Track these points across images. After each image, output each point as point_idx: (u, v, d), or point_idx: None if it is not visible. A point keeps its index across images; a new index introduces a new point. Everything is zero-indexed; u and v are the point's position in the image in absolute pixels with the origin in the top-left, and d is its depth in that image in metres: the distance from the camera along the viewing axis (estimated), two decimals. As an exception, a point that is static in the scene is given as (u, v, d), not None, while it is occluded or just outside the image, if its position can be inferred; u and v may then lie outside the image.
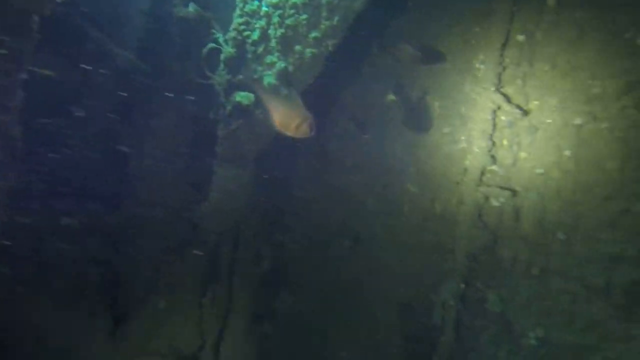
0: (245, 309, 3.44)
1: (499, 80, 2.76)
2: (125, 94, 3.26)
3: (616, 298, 2.41)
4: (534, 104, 2.71)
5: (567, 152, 2.62)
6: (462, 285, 2.69)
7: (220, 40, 3.08)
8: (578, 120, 2.60)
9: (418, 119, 3.04)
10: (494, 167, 2.79)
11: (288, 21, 2.99)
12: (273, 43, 3.05)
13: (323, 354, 3.27)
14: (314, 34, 2.95)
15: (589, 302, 2.48)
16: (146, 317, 3.33)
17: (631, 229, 2.40)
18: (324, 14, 2.91)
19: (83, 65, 3.18)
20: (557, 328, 2.55)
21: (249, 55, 3.11)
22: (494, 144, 2.77)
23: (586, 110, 2.58)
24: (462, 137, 2.88)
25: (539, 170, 2.69)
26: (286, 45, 3.03)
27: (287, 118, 2.53)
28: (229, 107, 3.18)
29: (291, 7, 2.96)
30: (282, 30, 3.00)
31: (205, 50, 3.08)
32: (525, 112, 2.71)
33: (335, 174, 3.33)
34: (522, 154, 2.76)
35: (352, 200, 3.29)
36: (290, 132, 2.51)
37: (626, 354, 2.38)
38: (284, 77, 3.07)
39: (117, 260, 3.42)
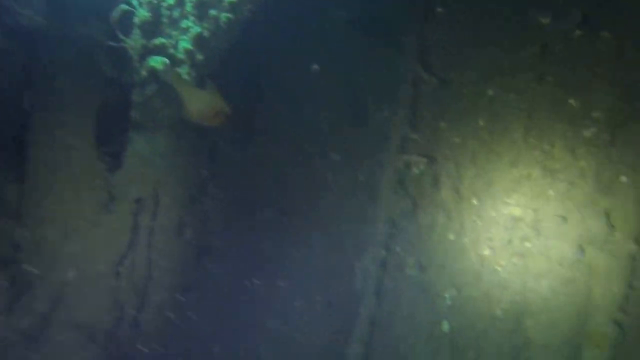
0: (166, 279, 3.42)
1: (421, 51, 2.86)
2: (29, 57, 2.98)
3: (516, 256, 2.66)
4: (453, 75, 2.85)
5: (481, 122, 2.82)
6: (383, 252, 2.86)
7: (134, 2, 2.90)
8: (491, 92, 2.79)
9: (343, 90, 3.10)
10: (414, 136, 2.92)
11: (204, -16, 2.88)
12: (188, 7, 2.92)
13: (248, 323, 3.32)
14: (229, -1, 2.87)
15: (493, 261, 2.75)
16: (53, 287, 3.18)
17: (531, 193, 2.65)
18: (242, -23, 2.83)
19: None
20: (468, 287, 2.80)
21: (164, 20, 2.96)
22: (415, 113, 2.91)
23: (498, 83, 2.77)
24: (385, 107, 2.98)
25: (457, 140, 2.87)
26: (202, 9, 2.92)
27: (202, 109, 2.51)
28: (143, 72, 3.05)
29: (208, -31, 2.84)
30: (198, -7, 2.89)
31: (116, 12, 2.87)
32: (445, 83, 2.85)
33: (259, 143, 3.32)
34: (442, 124, 2.91)
35: (277, 169, 3.33)
36: (206, 122, 2.51)
37: (523, 304, 2.67)
38: (199, 43, 2.99)
39: (22, 227, 3.23)
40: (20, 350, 3.00)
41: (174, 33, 2.98)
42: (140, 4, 2.96)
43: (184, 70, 3.08)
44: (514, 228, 2.71)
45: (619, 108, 2.54)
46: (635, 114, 2.52)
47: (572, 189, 2.63)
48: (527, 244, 2.70)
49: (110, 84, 3.22)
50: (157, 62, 3.03)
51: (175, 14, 2.97)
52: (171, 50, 3.05)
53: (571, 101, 2.63)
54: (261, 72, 3.33)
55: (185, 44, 2.99)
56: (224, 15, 2.93)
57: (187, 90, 2.68)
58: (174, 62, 3.04)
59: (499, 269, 2.74)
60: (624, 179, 2.50)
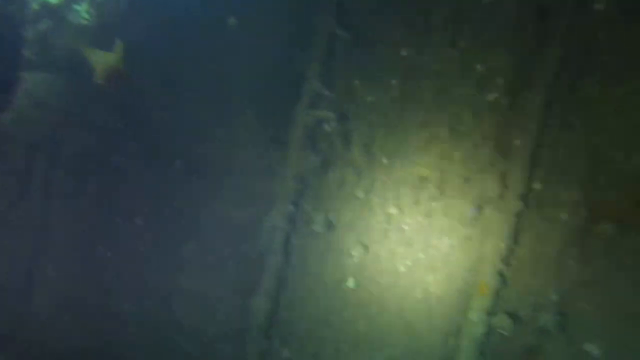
0: (68, 232, 3.20)
1: (337, 7, 2.81)
2: None
3: (420, 214, 2.77)
4: (368, 33, 2.83)
5: (394, 82, 2.84)
6: (292, 208, 2.84)
7: None
8: (404, 52, 2.82)
9: (256, 45, 2.99)
10: (327, 93, 2.89)
11: None
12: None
13: (156, 279, 3.22)
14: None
15: (400, 220, 2.83)
16: None
17: (438, 154, 2.74)
18: None
19: None
20: (374, 243, 2.86)
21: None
22: (328, 70, 2.87)
23: (412, 43, 2.80)
24: (298, 62, 2.91)
25: (369, 99, 2.88)
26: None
27: (104, 72, 2.40)
28: (34, 6, 2.75)
29: None
30: None
31: None
32: (360, 41, 2.83)
33: (169, 96, 3.14)
34: (355, 82, 2.90)
35: (187, 123, 3.17)
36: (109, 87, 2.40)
37: (424, 260, 2.80)
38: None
39: None
40: None
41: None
42: None
43: (83, 8, 2.82)
44: (421, 188, 2.81)
45: (517, 75, 2.68)
46: (530, 81, 2.66)
47: (475, 151, 2.76)
48: (433, 204, 2.80)
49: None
50: (51, -6, 2.76)
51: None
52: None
53: (478, 66, 2.73)
54: (174, 23, 3.14)
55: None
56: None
57: (91, 52, 2.54)
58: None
59: (405, 227, 2.83)
60: (517, 142, 2.65)
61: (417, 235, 2.81)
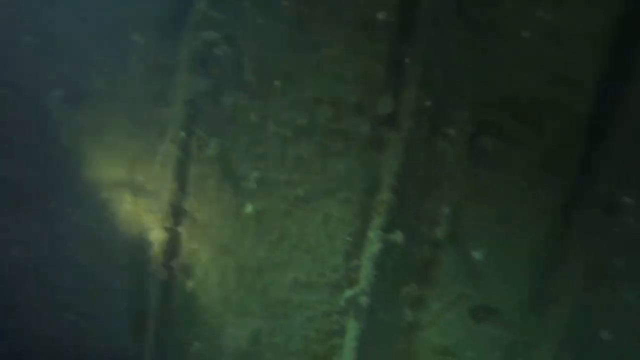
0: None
1: None
2: None
3: (316, 137, 2.78)
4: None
5: (285, 2, 2.74)
6: (184, 135, 2.73)
7: None
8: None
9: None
10: (216, 14, 2.75)
11: None
12: None
13: (42, 219, 3.05)
14: None
15: (296, 143, 2.81)
16: None
17: (329, 74, 2.70)
18: None
19: None
20: (271, 169, 2.84)
21: None
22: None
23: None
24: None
25: (260, 21, 2.77)
26: None
27: None
28: None
29: None
30: None
31: None
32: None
33: (51, 19, 2.86)
34: (245, 3, 2.78)
35: (72, 50, 2.93)
36: None
37: (322, 184, 2.83)
38: None
39: None
40: None
41: None
42: None
43: None
44: (317, 110, 2.79)
45: None
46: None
47: (368, 71, 2.75)
48: (329, 126, 2.79)
49: None
50: None
51: None
52: None
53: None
54: None
55: None
56: None
57: None
58: None
59: (302, 151, 2.82)
60: (408, 61, 2.69)
61: (315, 158, 2.82)
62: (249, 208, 2.82)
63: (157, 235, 2.76)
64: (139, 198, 2.83)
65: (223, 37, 2.66)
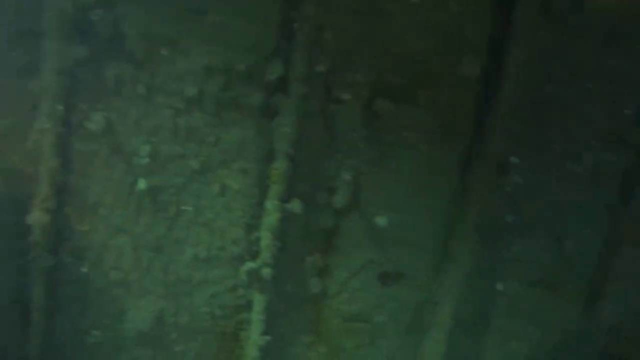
0: None
1: None
2: None
3: (208, 107, 2.68)
4: None
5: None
6: (60, 107, 2.54)
7: None
8: None
9: None
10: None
11: None
12: None
13: None
14: None
15: (187, 114, 2.69)
16: None
17: (217, 42, 2.59)
18: None
19: None
20: (164, 142, 2.69)
21: None
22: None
23: None
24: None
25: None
26: None
27: None
28: None
29: None
30: None
31: None
32: None
33: None
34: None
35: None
36: None
37: (217, 155, 2.74)
38: None
39: None
40: None
41: None
42: None
43: None
44: (207, 80, 2.67)
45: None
46: None
47: (259, 37, 2.66)
48: (221, 95, 2.69)
49: None
50: None
51: None
52: None
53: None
54: None
55: None
56: None
57: None
58: None
59: (194, 122, 2.70)
60: (298, 26, 2.63)
61: (208, 129, 2.71)
62: (142, 184, 2.67)
63: (38, 219, 2.56)
64: (12, 179, 2.61)
65: (97, 1, 2.47)
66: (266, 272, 2.79)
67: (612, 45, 2.88)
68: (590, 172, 3.11)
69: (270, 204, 2.72)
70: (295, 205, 2.72)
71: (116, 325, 2.92)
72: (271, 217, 2.73)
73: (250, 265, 2.77)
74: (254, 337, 2.94)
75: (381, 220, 2.99)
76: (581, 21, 2.91)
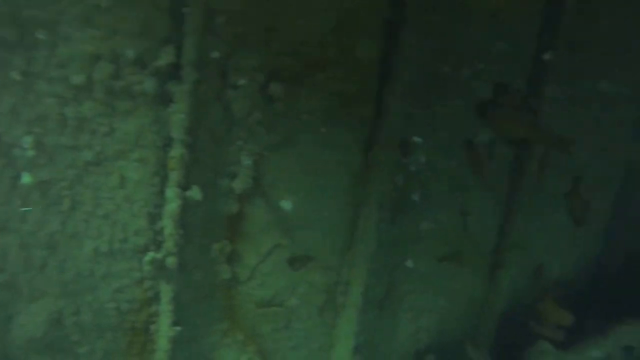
0: None
1: None
2: None
3: (98, 95, 2.59)
4: None
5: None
6: None
7: None
8: None
9: None
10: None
11: None
12: None
13: None
14: None
15: (76, 103, 2.59)
16: None
17: (106, 26, 2.49)
18: None
19: None
20: (50, 132, 2.55)
21: None
22: None
23: None
24: None
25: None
26: None
27: None
28: None
29: None
30: None
31: None
32: None
33: None
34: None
35: None
36: None
37: (113, 145, 2.63)
38: None
39: None
40: None
41: None
42: None
43: None
44: (94, 67, 2.57)
45: None
46: None
47: (148, 23, 2.60)
48: (113, 83, 2.59)
49: None
50: None
51: None
52: None
53: None
54: None
55: None
56: None
57: None
58: None
59: (83, 110, 2.60)
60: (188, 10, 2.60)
61: (100, 119, 2.61)
62: (26, 178, 2.55)
63: None
64: None
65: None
66: (171, 261, 2.74)
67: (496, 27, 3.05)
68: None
69: (170, 192, 2.66)
70: (195, 193, 2.68)
71: (2, 334, 2.74)
72: (172, 205, 2.68)
73: (153, 255, 2.72)
74: (164, 329, 2.88)
75: (286, 204, 3.01)
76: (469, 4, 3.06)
